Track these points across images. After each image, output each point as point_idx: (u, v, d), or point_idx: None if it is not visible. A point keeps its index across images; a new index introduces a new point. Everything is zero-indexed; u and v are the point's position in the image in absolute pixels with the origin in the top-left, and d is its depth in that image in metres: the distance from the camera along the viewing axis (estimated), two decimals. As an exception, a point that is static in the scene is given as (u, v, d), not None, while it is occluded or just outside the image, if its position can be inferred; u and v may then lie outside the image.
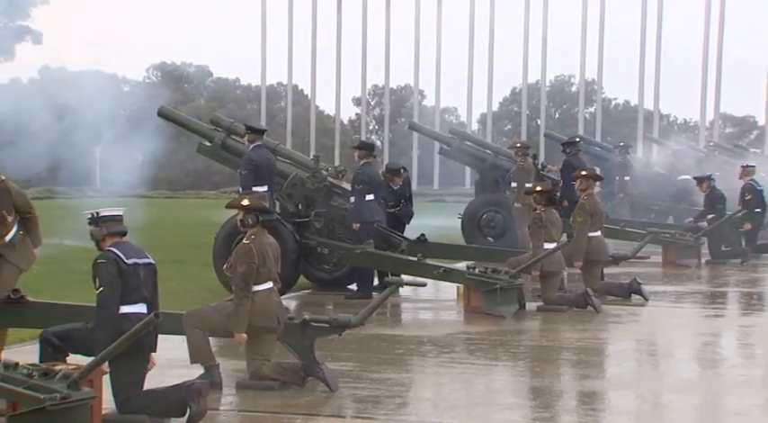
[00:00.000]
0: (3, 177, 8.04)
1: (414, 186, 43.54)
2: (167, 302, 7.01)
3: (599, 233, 12.78)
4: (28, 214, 8.01)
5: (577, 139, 19.11)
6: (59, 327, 6.74)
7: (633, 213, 20.43)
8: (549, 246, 11.83)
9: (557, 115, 62.46)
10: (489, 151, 19.15)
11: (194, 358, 7.52)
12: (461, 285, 12.01)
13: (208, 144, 13.74)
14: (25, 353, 7.82)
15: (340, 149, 45.12)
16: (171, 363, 7.48)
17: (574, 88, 58.45)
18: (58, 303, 7.96)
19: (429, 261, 12.36)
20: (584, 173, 13.17)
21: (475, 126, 51.00)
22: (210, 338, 7.68)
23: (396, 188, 14.11)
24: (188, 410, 6.33)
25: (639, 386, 8.12)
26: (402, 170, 14.46)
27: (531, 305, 11.85)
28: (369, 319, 8.05)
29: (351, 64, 46.46)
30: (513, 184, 16.30)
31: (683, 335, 10.74)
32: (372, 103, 64.05)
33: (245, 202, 7.77)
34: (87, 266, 6.75)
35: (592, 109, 48.74)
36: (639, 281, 12.82)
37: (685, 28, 66.65)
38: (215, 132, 13.68)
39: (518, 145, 17.14)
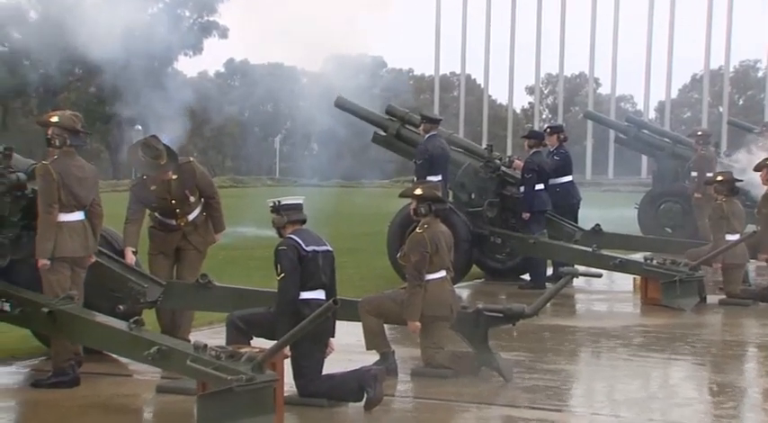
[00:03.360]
0: (191, 159, 8.45)
1: (588, 175, 42.75)
2: (343, 289, 7.18)
3: (786, 225, 12.18)
4: (210, 199, 8.38)
5: None
6: (244, 311, 6.99)
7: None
8: (731, 237, 11.42)
9: (741, 102, 59.94)
10: (668, 140, 18.60)
11: (370, 345, 7.66)
12: (638, 277, 11.74)
13: (383, 134, 13.94)
14: (212, 335, 8.20)
15: (512, 139, 44.80)
16: (348, 348, 7.65)
17: (760, 73, 55.88)
18: (243, 288, 8.27)
19: (604, 252, 12.14)
20: (769, 162, 12.58)
21: (652, 114, 49.58)
22: (385, 325, 7.81)
23: (551, 149, 13.52)
24: (365, 396, 6.48)
25: (830, 386, 7.72)
26: (549, 129, 13.86)
27: (712, 299, 11.45)
28: (542, 309, 7.99)
29: (524, 52, 46.09)
30: (694, 174, 15.79)
31: None
32: (546, 92, 63.32)
33: (419, 192, 7.84)
34: (268, 253, 7.00)
35: (779, 94, 46.39)
36: (831, 275, 12.19)
37: None
38: (389, 122, 13.86)
39: (699, 133, 16.60)
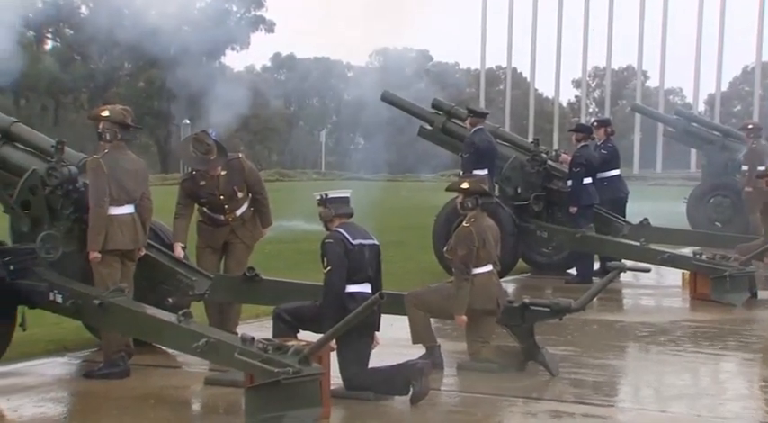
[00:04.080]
0: (240, 155, 8.53)
1: (635, 169, 42.33)
2: (388, 283, 7.18)
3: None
4: (258, 195, 8.45)
5: None
6: (291, 304, 7.01)
7: None
8: (783, 232, 11.27)
9: (793, 94, 58.83)
10: (718, 133, 18.34)
11: (416, 338, 7.67)
12: (687, 272, 11.62)
13: (429, 128, 13.93)
14: (259, 328, 8.26)
15: (559, 133, 44.49)
16: (394, 342, 7.66)
17: (812, 65, 54.84)
18: (289, 281, 8.33)
19: (652, 246, 12.03)
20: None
21: (702, 107, 48.93)
22: (431, 319, 7.81)
23: (598, 143, 13.38)
24: (411, 389, 6.49)
25: None
26: (596, 123, 13.76)
27: (763, 294, 11.29)
28: (590, 304, 7.94)
29: (571, 45, 45.69)
30: (744, 168, 15.57)
31: None
32: (593, 85, 62.82)
33: (465, 186, 7.83)
34: (315, 247, 7.03)
35: (833, 87, 45.55)
36: None
37: None
38: (436, 116, 13.84)
39: (749, 126, 16.36)
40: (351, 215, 6.87)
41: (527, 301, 7.71)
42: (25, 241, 7.38)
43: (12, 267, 7.24)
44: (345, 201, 6.88)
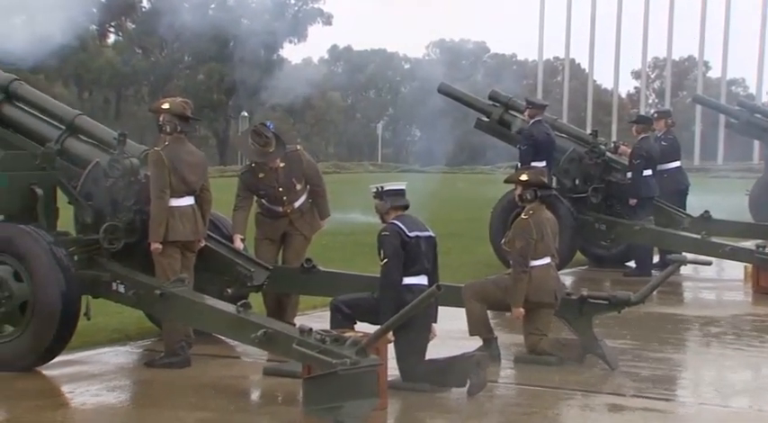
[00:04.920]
0: (298, 147, 8.58)
1: (696, 161, 41.71)
2: (445, 275, 7.17)
3: None
4: (316, 187, 8.50)
5: None
6: (348, 295, 7.04)
7: None
8: None
9: None
10: (782, 124, 17.97)
11: (473, 330, 7.66)
12: (749, 265, 11.44)
13: (486, 119, 13.88)
14: (317, 319, 8.32)
15: (618, 124, 44.02)
16: (450, 334, 7.66)
17: None
18: (346, 273, 8.35)
19: (714, 239, 11.86)
20: None
21: (765, 98, 47.98)
22: (489, 311, 7.79)
23: (658, 135, 13.26)
24: (468, 381, 6.50)
25: None
26: (656, 114, 13.64)
27: (827, 288, 11.07)
28: (649, 297, 7.86)
29: (631, 36, 45.22)
30: (809, 159, 15.28)
31: None
32: (653, 76, 62.01)
33: (524, 177, 7.79)
34: (371, 239, 7.04)
35: None
36: None
37: None
38: (493, 108, 13.78)
39: (815, 117, 16.03)
40: (407, 207, 6.87)
41: (585, 293, 7.66)
42: (89, 232, 7.50)
43: (76, 257, 7.38)
44: (401, 193, 6.87)
